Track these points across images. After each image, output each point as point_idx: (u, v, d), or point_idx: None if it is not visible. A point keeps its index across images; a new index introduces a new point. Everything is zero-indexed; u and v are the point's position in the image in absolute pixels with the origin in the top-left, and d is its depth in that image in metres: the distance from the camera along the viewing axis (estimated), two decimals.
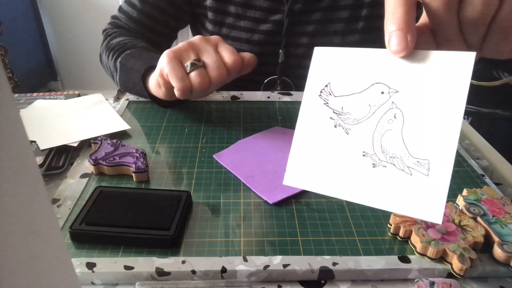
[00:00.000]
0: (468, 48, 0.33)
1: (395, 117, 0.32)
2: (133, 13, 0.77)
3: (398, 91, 0.32)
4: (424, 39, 0.33)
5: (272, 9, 0.74)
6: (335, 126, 0.34)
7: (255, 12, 0.75)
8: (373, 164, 0.32)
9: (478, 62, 0.32)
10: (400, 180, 0.30)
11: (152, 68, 0.61)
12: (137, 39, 0.75)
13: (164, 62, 0.54)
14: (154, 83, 0.60)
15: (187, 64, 0.53)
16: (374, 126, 0.32)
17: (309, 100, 0.35)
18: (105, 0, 2.31)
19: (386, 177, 0.31)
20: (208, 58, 0.54)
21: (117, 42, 0.73)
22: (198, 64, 0.53)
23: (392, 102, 0.32)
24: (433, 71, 0.31)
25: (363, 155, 0.32)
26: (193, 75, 0.52)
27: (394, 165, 0.31)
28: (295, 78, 0.77)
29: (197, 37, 0.56)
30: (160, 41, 0.80)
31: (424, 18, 0.33)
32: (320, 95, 0.35)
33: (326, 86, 0.34)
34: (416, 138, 0.31)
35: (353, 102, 0.33)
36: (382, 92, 0.32)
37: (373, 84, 0.33)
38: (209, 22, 0.78)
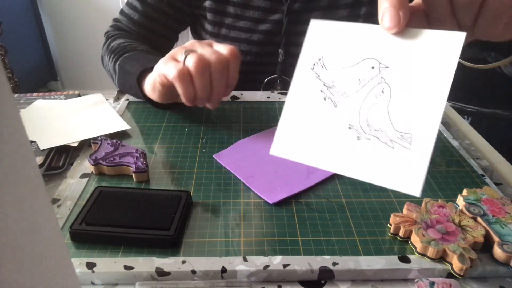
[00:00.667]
0: (461, 29, 0.34)
1: (383, 91, 0.32)
2: (134, 15, 0.78)
3: (388, 67, 0.32)
4: (417, 19, 0.33)
5: (271, 9, 0.74)
6: (324, 99, 0.34)
7: (254, 12, 0.75)
8: (357, 136, 0.32)
9: (474, 45, 0.32)
10: (382, 153, 0.31)
11: (146, 70, 0.61)
12: (137, 42, 0.75)
13: (160, 65, 0.55)
14: (149, 87, 0.60)
15: (180, 55, 0.53)
16: (362, 100, 0.33)
17: (301, 72, 0.35)
18: (105, 0, 2.31)
19: (369, 149, 0.31)
20: (203, 50, 0.54)
21: (117, 45, 0.73)
22: (192, 51, 0.53)
23: (382, 77, 0.32)
24: (423, 49, 0.31)
25: (349, 128, 0.33)
26: (188, 58, 0.52)
27: (377, 138, 0.31)
28: None
29: (189, 41, 0.57)
30: (161, 43, 0.80)
31: None
32: (312, 68, 0.35)
33: (319, 59, 0.35)
34: (401, 112, 0.31)
35: (343, 76, 0.34)
36: (373, 67, 0.33)
37: (364, 59, 0.33)
38: (208, 23, 0.78)
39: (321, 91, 0.34)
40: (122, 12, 0.80)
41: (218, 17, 0.76)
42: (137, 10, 0.77)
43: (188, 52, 0.52)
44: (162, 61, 0.55)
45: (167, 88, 0.55)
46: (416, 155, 0.30)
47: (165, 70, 0.53)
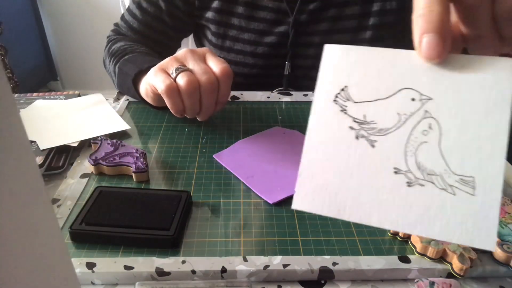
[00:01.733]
0: (503, 42, 0.30)
1: (430, 127, 0.28)
2: (134, 23, 0.77)
3: (431, 98, 0.28)
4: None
5: (276, 21, 0.73)
6: (357, 138, 0.29)
7: (259, 24, 0.73)
8: (407, 182, 0.27)
9: None
10: (442, 201, 0.27)
11: (142, 72, 0.62)
12: (137, 44, 0.75)
13: (150, 76, 0.55)
14: (143, 90, 0.61)
15: (172, 70, 0.53)
16: (406, 138, 0.28)
17: (322, 106, 0.30)
18: (106, 1, 2.31)
19: (425, 197, 0.27)
20: (195, 66, 0.53)
21: (117, 48, 0.73)
22: (183, 68, 0.53)
23: (426, 110, 0.28)
24: (470, 77, 0.28)
25: (395, 172, 0.28)
26: (179, 77, 0.52)
27: (433, 183, 0.27)
28: (302, 90, 0.76)
29: (183, 50, 0.56)
30: (161, 50, 0.79)
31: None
32: (335, 101, 0.30)
33: (343, 90, 0.30)
34: (457, 152, 0.27)
35: (377, 109, 0.29)
36: (413, 99, 0.28)
37: (400, 90, 0.29)
38: (212, 35, 0.77)
39: (351, 128, 0.29)
40: (122, 18, 0.80)
41: (222, 29, 0.75)
42: (137, 18, 0.77)
43: (179, 70, 0.52)
44: (152, 72, 0.55)
45: (159, 96, 0.55)
46: (484, 202, 0.26)
47: (155, 82, 0.53)
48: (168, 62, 0.54)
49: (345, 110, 0.29)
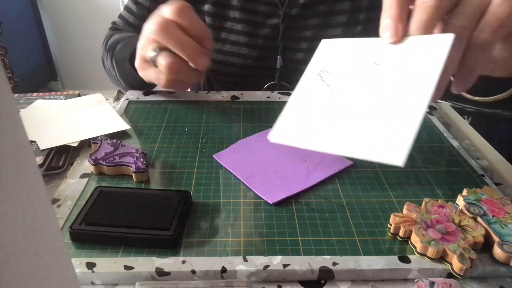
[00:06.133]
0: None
1: (379, 83, 0.37)
2: (130, 18, 0.78)
3: (385, 65, 0.37)
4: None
5: (269, 14, 0.74)
6: (327, 95, 0.39)
7: (253, 16, 0.75)
8: (357, 122, 0.36)
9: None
10: (373, 130, 0.34)
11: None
12: (129, 32, 0.76)
13: (137, 63, 0.60)
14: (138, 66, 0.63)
15: (148, 58, 0.57)
16: (360, 92, 0.37)
17: (308, 76, 0.41)
18: (105, 1, 2.31)
19: (364, 129, 0.35)
20: (169, 42, 0.55)
21: (111, 42, 0.74)
22: (155, 54, 0.56)
23: (379, 73, 0.37)
24: (418, 49, 0.36)
25: (349, 117, 0.36)
26: (159, 61, 0.56)
27: (371, 120, 0.35)
28: (295, 83, 0.77)
29: (147, 26, 0.57)
30: None
31: None
32: (319, 74, 0.41)
33: (325, 66, 0.41)
34: (394, 99, 0.35)
35: (345, 75, 0.39)
36: (375, 64, 0.38)
37: (364, 62, 0.39)
38: (208, 27, 0.78)
39: (323, 88, 0.39)
40: (120, 15, 0.81)
41: (217, 21, 0.76)
42: (133, 13, 0.77)
43: (153, 55, 0.56)
44: (140, 63, 0.59)
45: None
46: (404, 129, 0.33)
47: (151, 78, 0.58)
48: (144, 47, 0.58)
49: (323, 79, 0.40)
